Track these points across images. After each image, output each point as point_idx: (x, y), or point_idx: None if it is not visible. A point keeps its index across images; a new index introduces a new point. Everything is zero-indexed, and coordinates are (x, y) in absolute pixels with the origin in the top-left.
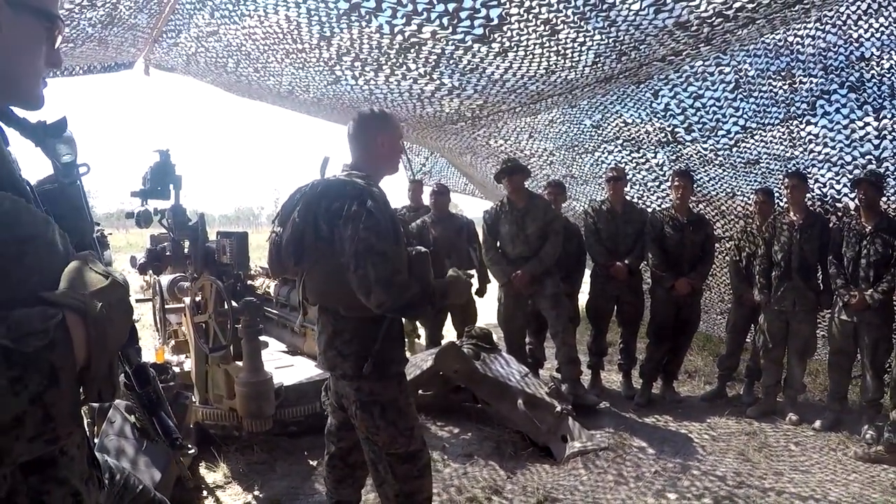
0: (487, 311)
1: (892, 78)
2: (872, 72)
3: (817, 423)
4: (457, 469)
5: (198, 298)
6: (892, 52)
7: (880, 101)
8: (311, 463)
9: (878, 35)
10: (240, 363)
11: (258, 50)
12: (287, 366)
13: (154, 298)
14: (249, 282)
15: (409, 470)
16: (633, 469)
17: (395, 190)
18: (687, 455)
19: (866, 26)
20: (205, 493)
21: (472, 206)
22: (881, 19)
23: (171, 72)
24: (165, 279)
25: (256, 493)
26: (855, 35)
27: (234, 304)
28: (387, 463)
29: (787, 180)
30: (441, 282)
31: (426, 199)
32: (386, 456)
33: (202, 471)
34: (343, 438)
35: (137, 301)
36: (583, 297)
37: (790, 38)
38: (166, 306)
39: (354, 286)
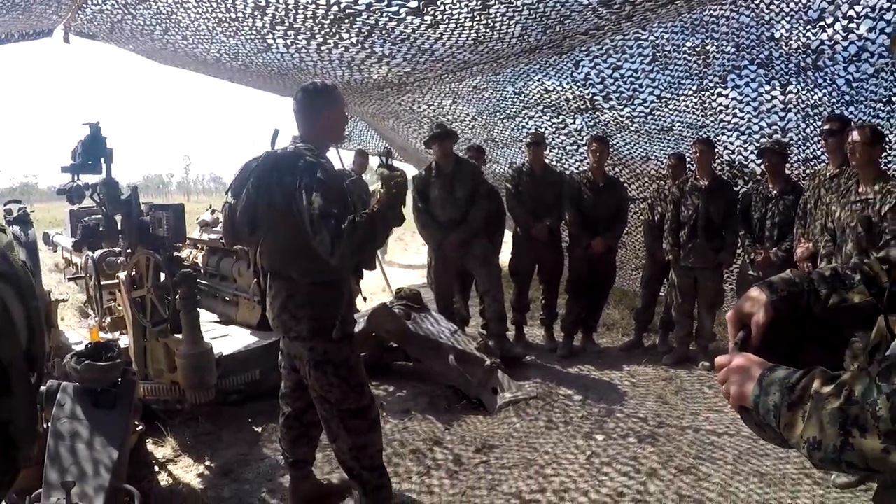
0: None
1: (800, 57)
2: (781, 50)
3: None
4: (396, 424)
5: (133, 273)
6: (800, 34)
7: (787, 77)
8: (255, 429)
9: (787, 18)
10: (179, 336)
11: (189, 18)
12: (223, 335)
13: (87, 276)
14: (176, 253)
15: (360, 425)
16: (561, 415)
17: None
18: (610, 400)
19: (777, 9)
20: (156, 468)
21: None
22: (791, 4)
23: (93, 39)
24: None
25: (207, 462)
26: (767, 17)
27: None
28: (339, 419)
29: (695, 146)
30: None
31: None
32: (338, 412)
33: (150, 446)
34: (298, 399)
35: (69, 279)
36: (503, 257)
37: (706, 18)
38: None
39: (319, 251)
